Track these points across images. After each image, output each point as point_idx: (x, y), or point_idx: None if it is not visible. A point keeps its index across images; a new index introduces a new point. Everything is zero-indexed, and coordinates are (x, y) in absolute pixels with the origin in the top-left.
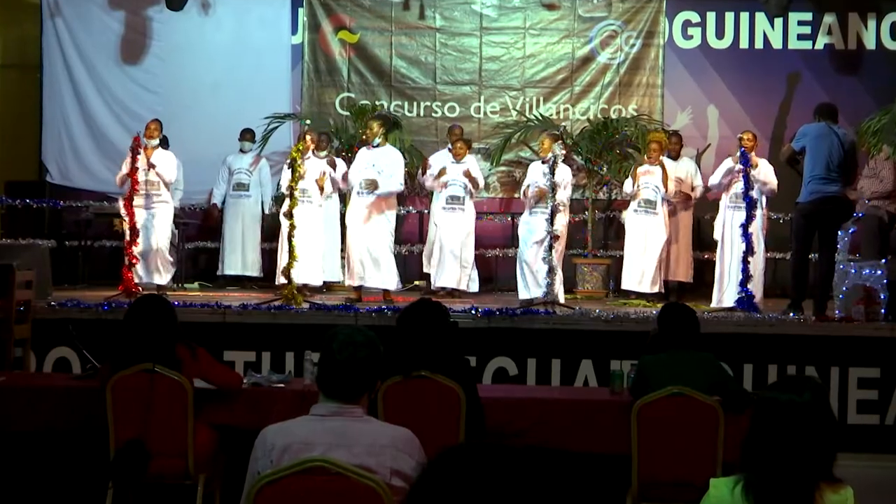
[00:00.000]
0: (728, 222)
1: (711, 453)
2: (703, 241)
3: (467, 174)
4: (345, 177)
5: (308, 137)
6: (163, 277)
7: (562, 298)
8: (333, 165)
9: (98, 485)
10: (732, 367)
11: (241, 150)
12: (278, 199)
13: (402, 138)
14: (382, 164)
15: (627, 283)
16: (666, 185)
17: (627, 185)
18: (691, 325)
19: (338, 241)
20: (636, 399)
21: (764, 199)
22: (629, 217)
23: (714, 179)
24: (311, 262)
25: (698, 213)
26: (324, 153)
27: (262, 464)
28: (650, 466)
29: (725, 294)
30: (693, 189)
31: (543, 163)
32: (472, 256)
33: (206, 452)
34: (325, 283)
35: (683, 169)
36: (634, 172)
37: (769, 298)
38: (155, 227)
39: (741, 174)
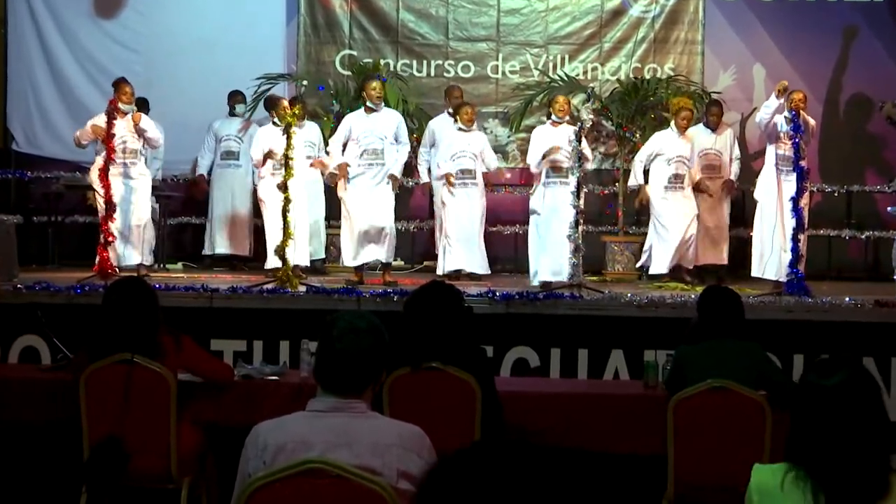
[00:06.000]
0: (773, 187)
1: (756, 453)
2: (746, 217)
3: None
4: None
5: (284, 104)
6: (144, 256)
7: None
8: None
9: (70, 487)
10: (781, 358)
11: (232, 114)
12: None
13: (406, 101)
14: (386, 130)
15: (657, 268)
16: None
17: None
18: (734, 312)
19: (321, 218)
20: (672, 394)
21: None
22: (655, 199)
23: (762, 115)
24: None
25: (740, 185)
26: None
27: (254, 465)
28: (688, 468)
29: (767, 266)
30: (731, 163)
31: (553, 124)
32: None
33: (190, 452)
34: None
35: (723, 142)
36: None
37: (824, 281)
38: (135, 200)
39: (791, 140)
